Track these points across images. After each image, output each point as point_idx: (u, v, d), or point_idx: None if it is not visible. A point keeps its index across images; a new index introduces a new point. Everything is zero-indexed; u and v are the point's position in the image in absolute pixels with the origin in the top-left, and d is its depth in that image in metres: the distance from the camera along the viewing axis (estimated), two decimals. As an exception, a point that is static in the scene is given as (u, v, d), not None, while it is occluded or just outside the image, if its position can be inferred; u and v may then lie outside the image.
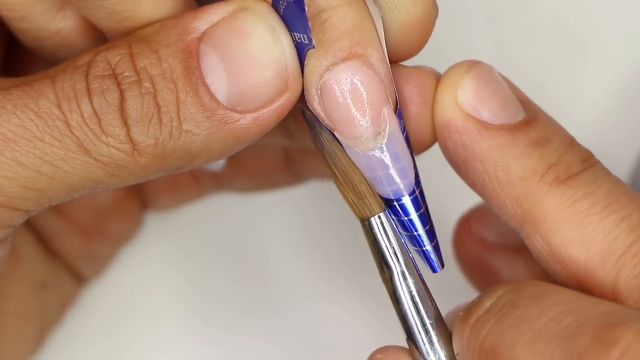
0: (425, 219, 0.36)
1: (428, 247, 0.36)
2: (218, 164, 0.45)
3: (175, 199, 0.49)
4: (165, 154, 0.35)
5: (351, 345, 0.50)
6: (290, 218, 0.51)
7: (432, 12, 0.36)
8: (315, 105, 0.35)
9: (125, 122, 0.34)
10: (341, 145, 0.35)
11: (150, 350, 0.50)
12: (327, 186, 0.50)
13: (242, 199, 0.50)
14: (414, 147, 0.37)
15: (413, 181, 0.36)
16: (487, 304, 0.34)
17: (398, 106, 0.36)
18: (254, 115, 0.35)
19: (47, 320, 0.47)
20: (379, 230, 0.36)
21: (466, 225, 0.43)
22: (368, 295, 0.50)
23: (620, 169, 0.50)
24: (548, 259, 0.36)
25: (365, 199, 0.36)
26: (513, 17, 0.52)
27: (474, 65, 0.37)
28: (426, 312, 0.35)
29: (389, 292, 0.36)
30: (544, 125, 0.36)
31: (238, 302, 0.50)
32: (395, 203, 0.36)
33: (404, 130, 0.35)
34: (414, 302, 0.35)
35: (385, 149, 0.35)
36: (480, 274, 0.43)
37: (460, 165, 0.37)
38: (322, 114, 0.35)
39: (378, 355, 0.36)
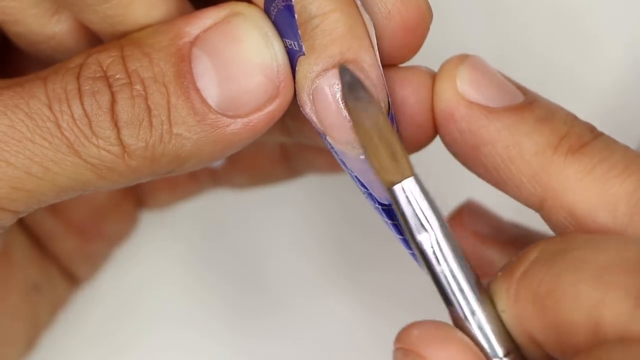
0: None
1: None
2: (217, 162, 0.45)
3: (172, 196, 0.49)
4: (155, 158, 0.35)
5: (352, 342, 0.50)
6: (287, 215, 0.51)
7: (426, 16, 0.36)
8: (308, 110, 0.35)
9: (115, 124, 0.34)
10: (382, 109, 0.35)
11: (145, 350, 0.50)
12: (325, 182, 0.50)
13: (239, 196, 0.50)
14: (410, 147, 0.37)
15: None
16: (532, 257, 0.34)
17: (390, 111, 0.36)
18: (245, 121, 0.35)
19: (39, 323, 0.47)
20: (415, 192, 0.34)
21: (458, 219, 0.43)
22: (368, 291, 0.50)
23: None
24: (574, 231, 0.35)
25: (400, 159, 0.34)
26: (513, 11, 0.52)
27: (465, 56, 0.37)
28: (466, 276, 0.34)
29: (424, 258, 0.34)
30: (545, 104, 0.37)
31: (236, 300, 0.50)
32: (389, 207, 0.35)
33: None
34: (451, 267, 0.34)
35: None
36: (476, 266, 0.42)
37: (469, 153, 0.37)
38: (314, 119, 0.35)
39: (415, 331, 0.34)
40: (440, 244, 0.34)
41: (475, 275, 0.35)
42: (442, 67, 0.37)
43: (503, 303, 0.34)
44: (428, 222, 0.34)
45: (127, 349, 0.50)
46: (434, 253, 0.34)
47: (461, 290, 0.34)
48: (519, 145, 0.36)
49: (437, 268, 0.34)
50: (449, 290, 0.34)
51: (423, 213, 0.34)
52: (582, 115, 0.37)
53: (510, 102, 0.36)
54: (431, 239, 0.34)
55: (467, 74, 0.36)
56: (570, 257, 0.33)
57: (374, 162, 0.35)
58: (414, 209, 0.34)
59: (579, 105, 0.51)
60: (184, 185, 0.49)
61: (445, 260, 0.34)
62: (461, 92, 0.36)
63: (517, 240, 0.42)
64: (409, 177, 0.34)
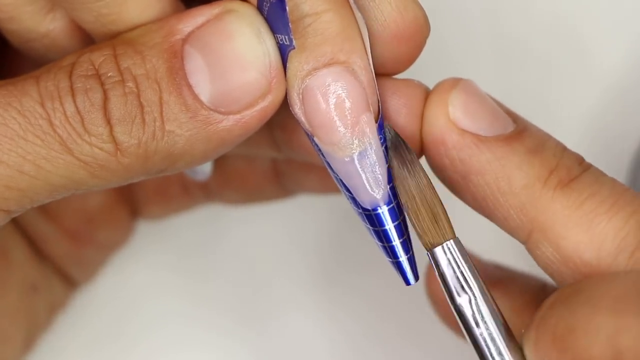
0: (402, 230, 0.35)
1: (402, 259, 0.35)
2: (205, 174, 0.45)
3: (165, 208, 0.49)
4: (148, 155, 0.35)
5: (348, 344, 0.50)
6: (283, 224, 0.51)
7: (423, 28, 0.36)
8: (297, 109, 0.35)
9: (108, 122, 0.34)
10: (422, 167, 0.35)
11: (142, 356, 0.50)
12: (318, 197, 0.50)
13: (234, 207, 0.50)
14: None
15: (390, 191, 0.35)
16: (548, 303, 0.34)
17: (380, 116, 0.35)
18: (237, 117, 0.35)
19: (37, 324, 0.47)
20: (455, 255, 0.35)
21: None
22: (366, 296, 0.50)
23: (618, 167, 0.49)
24: (559, 266, 0.35)
25: (441, 222, 0.35)
26: (512, 14, 0.52)
27: (458, 81, 0.37)
28: (503, 338, 0.34)
29: (462, 320, 0.35)
30: (536, 134, 0.36)
31: (229, 309, 0.50)
32: (372, 213, 0.35)
33: (384, 141, 0.35)
34: (490, 330, 0.34)
35: (363, 156, 0.35)
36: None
37: (458, 182, 0.36)
38: (303, 119, 0.35)
39: None
40: (481, 307, 0.34)
41: (511, 334, 0.35)
42: (433, 90, 0.37)
43: (530, 356, 0.34)
44: (468, 285, 0.35)
45: (124, 355, 0.50)
46: (474, 316, 0.34)
47: (499, 354, 0.34)
48: (508, 177, 0.35)
49: (477, 331, 0.34)
50: (487, 353, 0.34)
51: (463, 276, 0.35)
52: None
53: (501, 131, 0.36)
54: (471, 302, 0.34)
55: (459, 99, 0.36)
56: (584, 295, 0.32)
57: (415, 223, 0.35)
58: (454, 272, 0.35)
59: (578, 108, 0.51)
60: (177, 199, 0.49)
61: (485, 324, 0.34)
62: (453, 118, 0.36)
63: (500, 282, 0.41)
64: (449, 239, 0.35)
